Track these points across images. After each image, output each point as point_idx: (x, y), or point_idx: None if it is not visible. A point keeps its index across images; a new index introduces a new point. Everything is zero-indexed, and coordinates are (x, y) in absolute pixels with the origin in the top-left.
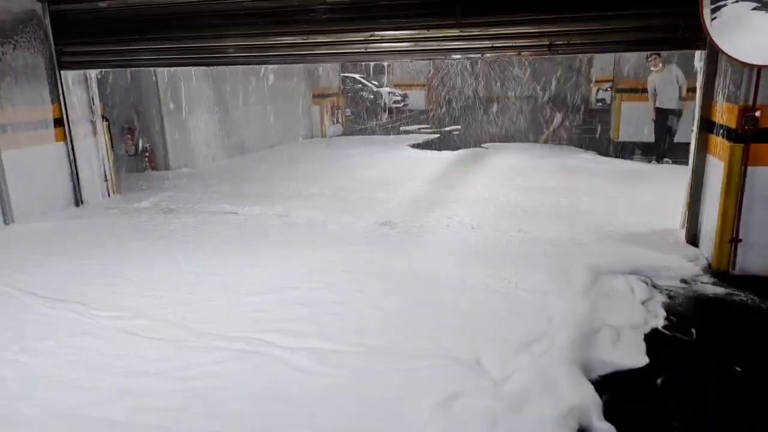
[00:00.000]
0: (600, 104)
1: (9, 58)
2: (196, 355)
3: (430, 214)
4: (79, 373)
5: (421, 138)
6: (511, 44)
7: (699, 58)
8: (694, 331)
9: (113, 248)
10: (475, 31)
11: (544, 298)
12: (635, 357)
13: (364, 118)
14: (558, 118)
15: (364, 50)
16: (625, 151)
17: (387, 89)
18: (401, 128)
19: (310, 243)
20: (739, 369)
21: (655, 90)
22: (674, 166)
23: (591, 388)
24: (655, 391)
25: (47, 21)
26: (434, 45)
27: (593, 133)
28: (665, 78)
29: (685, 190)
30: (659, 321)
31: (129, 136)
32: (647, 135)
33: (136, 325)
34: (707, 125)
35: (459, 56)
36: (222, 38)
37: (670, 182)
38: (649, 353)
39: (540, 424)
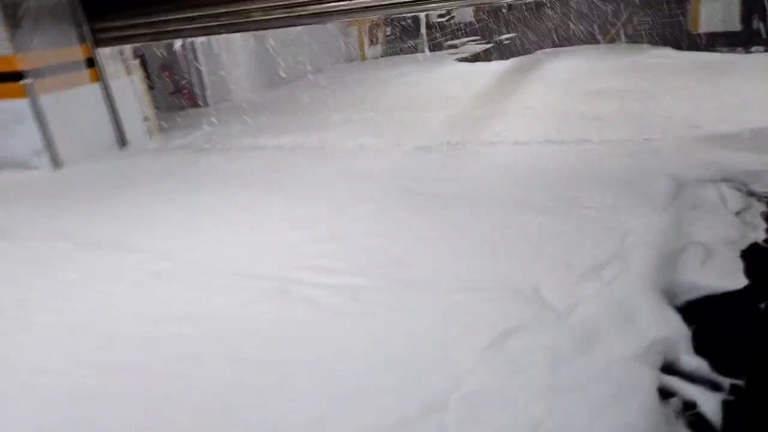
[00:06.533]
0: None
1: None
2: (223, 298)
3: (477, 131)
4: (108, 319)
5: (469, 51)
6: None
7: None
8: None
9: (149, 189)
10: None
11: (614, 216)
12: (731, 278)
13: (406, 36)
14: (624, 13)
15: None
16: (708, 43)
17: None
18: (447, 43)
19: (341, 174)
20: None
21: None
22: None
23: (676, 317)
24: (756, 317)
25: None
26: None
27: (667, 27)
28: None
29: None
30: (759, 234)
31: (166, 73)
32: (734, 21)
33: (165, 267)
34: None
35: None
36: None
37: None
38: (748, 272)
39: (614, 362)
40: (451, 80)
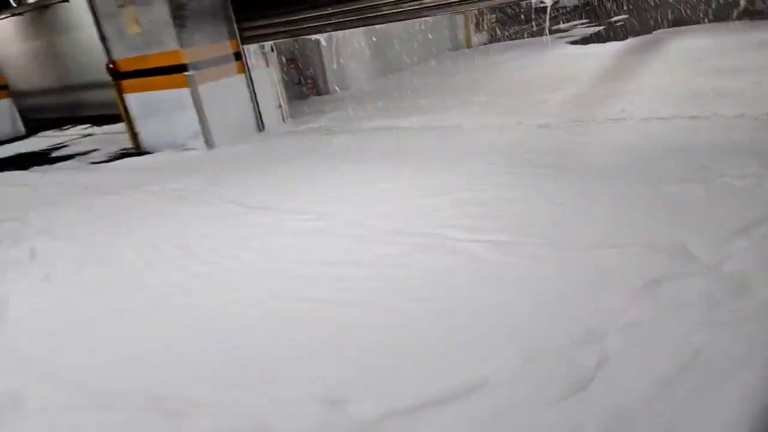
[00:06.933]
0: None
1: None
2: (383, 248)
3: (599, 109)
4: (287, 264)
5: (578, 34)
6: None
7: None
8: None
9: (293, 165)
10: None
11: (759, 184)
12: None
13: (511, 22)
14: None
15: None
16: None
17: None
18: (554, 27)
19: (470, 149)
20: None
21: None
22: None
23: None
24: None
25: None
26: None
27: None
28: None
29: None
30: None
31: (293, 65)
32: None
33: (324, 225)
34: None
35: None
36: None
37: None
38: None
39: None
40: (564, 62)
